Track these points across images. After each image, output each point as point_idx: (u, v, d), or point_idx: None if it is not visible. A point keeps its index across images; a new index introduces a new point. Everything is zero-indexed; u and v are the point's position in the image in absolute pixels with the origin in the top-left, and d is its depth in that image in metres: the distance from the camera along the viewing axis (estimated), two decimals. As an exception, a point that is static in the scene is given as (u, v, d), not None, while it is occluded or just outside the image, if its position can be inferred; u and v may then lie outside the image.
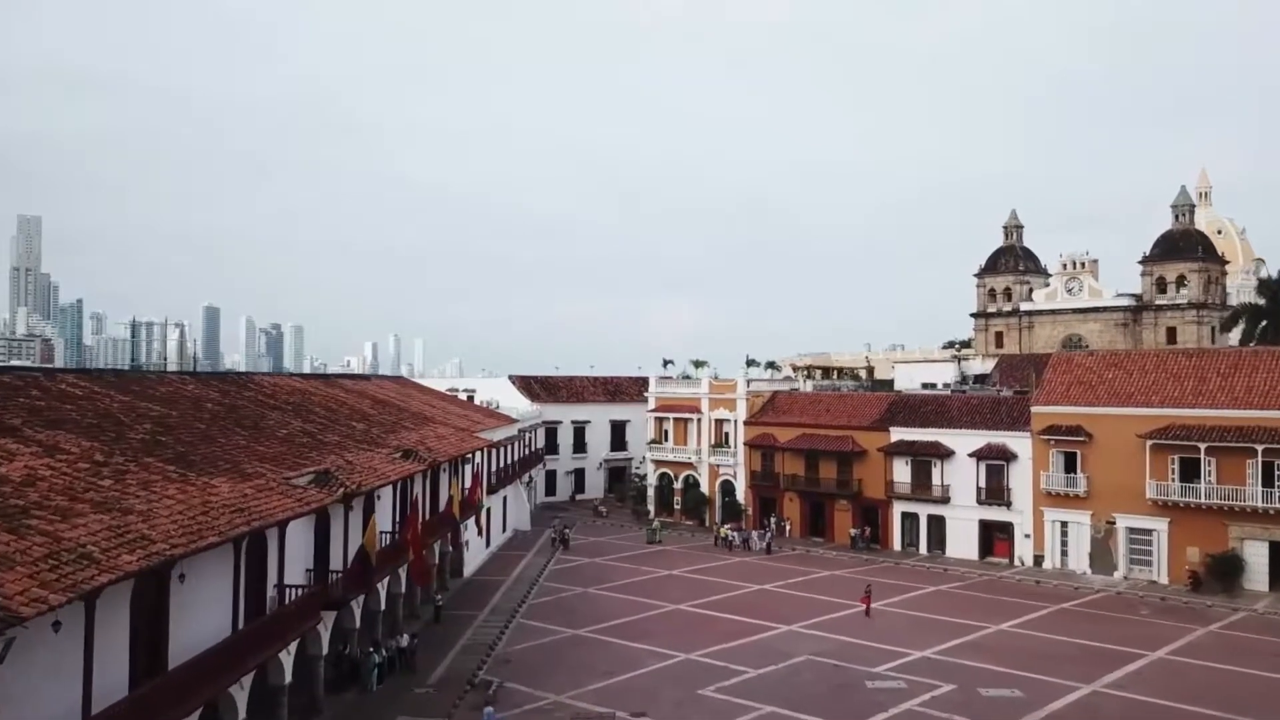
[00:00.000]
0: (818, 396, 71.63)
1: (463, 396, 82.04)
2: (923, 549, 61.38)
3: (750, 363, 72.75)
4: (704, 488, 72.52)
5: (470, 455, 49.70)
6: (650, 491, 75.73)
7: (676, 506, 74.16)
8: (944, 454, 60.18)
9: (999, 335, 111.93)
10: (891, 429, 63.09)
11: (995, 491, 58.31)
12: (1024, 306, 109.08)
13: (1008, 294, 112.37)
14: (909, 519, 62.36)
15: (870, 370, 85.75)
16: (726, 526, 64.90)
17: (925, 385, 72.78)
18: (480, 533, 50.81)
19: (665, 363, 77.14)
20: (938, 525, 61.07)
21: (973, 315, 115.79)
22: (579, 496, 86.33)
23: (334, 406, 44.26)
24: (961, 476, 59.58)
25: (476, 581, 52.34)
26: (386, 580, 37.47)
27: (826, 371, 80.00)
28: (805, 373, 77.93)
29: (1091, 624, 42.82)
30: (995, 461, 58.33)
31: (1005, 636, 40.73)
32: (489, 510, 60.48)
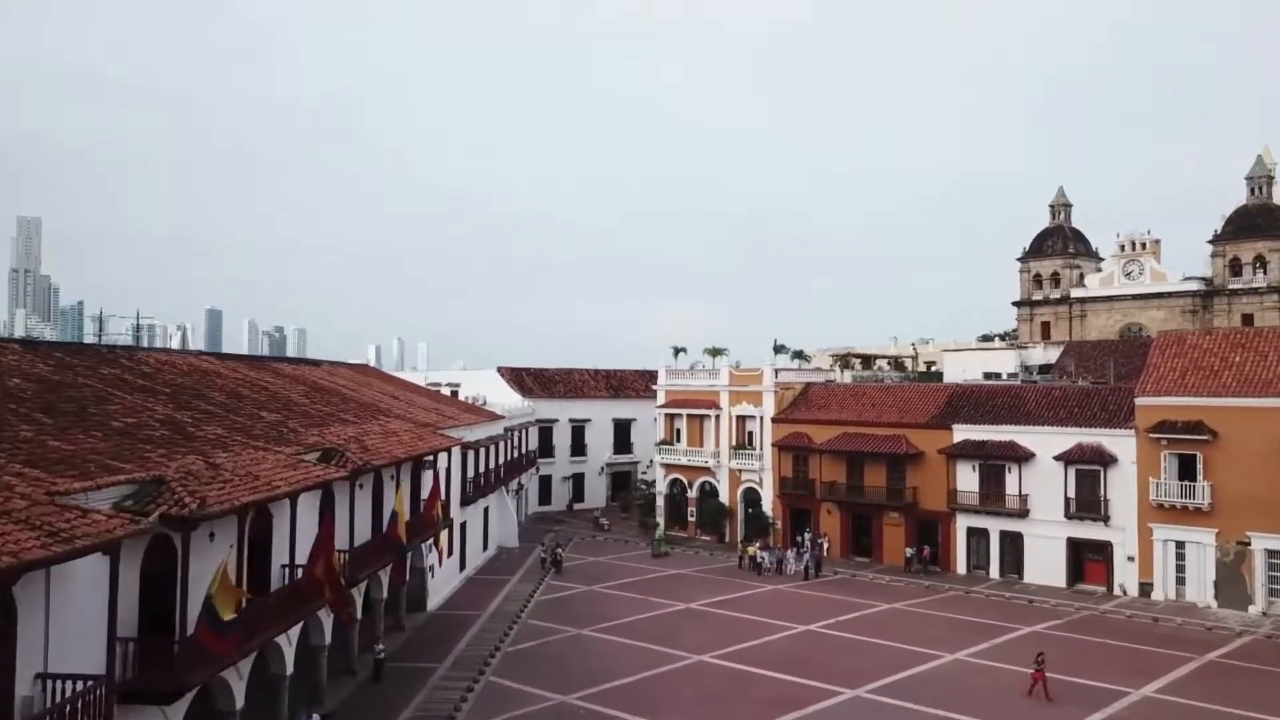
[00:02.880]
0: (860, 389, 60.44)
1: (446, 392, 71.11)
2: (994, 573, 50.21)
3: (778, 349, 61.61)
4: (724, 497, 61.40)
5: (431, 459, 38.71)
6: (659, 501, 64.69)
7: (691, 518, 63.08)
8: (1021, 457, 48.98)
9: (1045, 325, 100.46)
10: (954, 427, 51.91)
11: (1088, 503, 47.12)
12: (1075, 293, 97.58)
13: (1055, 279, 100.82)
14: (976, 536, 51.17)
15: (915, 358, 74.37)
16: (755, 545, 53.73)
17: (987, 375, 61.63)
18: (441, 557, 39.72)
19: (676, 351, 66.02)
20: (1013, 544, 49.88)
21: (1015, 304, 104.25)
22: (577, 506, 75.20)
23: (242, 392, 33.29)
24: (1044, 484, 48.41)
25: (442, 618, 41.30)
26: (295, 633, 26.47)
27: (866, 361, 68.68)
28: (842, 362, 66.63)
29: (1266, 686, 31.54)
30: (1088, 466, 47.12)
31: (1161, 710, 29.49)
32: (464, 525, 49.50)
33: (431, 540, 37.17)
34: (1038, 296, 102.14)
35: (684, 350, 65.93)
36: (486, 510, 55.56)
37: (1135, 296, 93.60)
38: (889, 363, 71.60)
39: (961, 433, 51.51)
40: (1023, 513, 48.94)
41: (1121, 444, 46.25)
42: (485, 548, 55.51)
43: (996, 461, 50.00)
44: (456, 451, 47.30)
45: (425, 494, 38.13)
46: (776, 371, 60.31)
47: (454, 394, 71.32)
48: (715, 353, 63.74)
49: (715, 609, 42.83)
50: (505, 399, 71.14)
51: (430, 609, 42.45)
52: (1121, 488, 46.12)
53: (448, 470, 44.89)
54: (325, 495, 29.00)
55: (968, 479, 51.07)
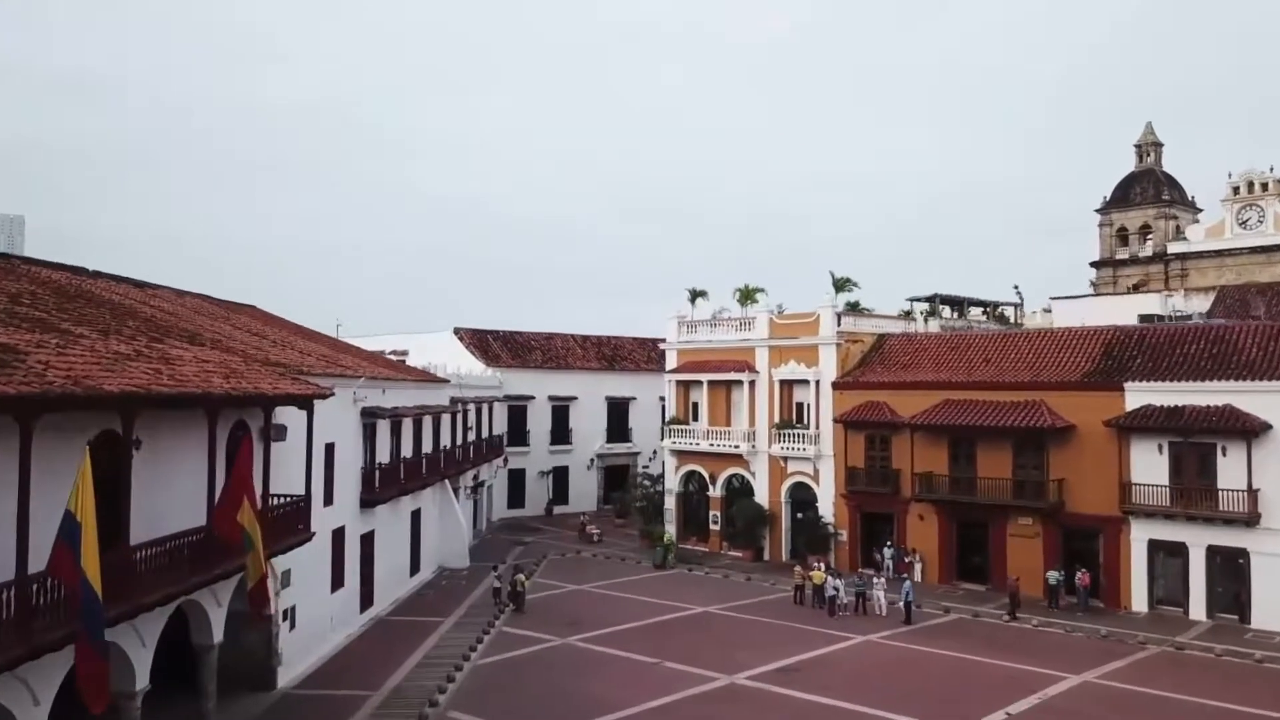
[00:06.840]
0: (964, 337, 42.45)
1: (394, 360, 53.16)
2: (1195, 611, 32.32)
3: (839, 284, 43.60)
4: (761, 497, 43.45)
5: (268, 426, 20.70)
6: (670, 502, 46.82)
7: (714, 527, 45.22)
8: (1246, 430, 31.08)
9: (1134, 289, 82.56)
10: (1126, 386, 34.03)
11: (1371, 503, 29.21)
12: (1174, 248, 79.66)
13: (1144, 233, 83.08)
14: (1165, 554, 33.24)
15: (1020, 305, 56.11)
16: (819, 567, 35.68)
17: (1143, 318, 43.70)
18: (264, 598, 21.17)
19: (694, 295, 48.02)
20: (1231, 567, 31.93)
21: (1094, 264, 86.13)
22: (559, 509, 57.14)
23: None
24: (1287, 473, 30.51)
25: (298, 705, 23.24)
26: None
27: (959, 307, 50.54)
28: (927, 307, 48.54)
29: None
30: (1370, 443, 29.23)
31: None
32: (366, 538, 31.50)
33: (241, 577, 18.98)
34: (1123, 255, 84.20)
35: (704, 295, 47.96)
36: (417, 515, 37.58)
37: (1253, 250, 75.53)
38: (986, 312, 53.40)
39: (1139, 395, 33.58)
40: (1250, 518, 31.00)
41: None
42: (415, 571, 37.51)
43: (1202, 439, 32.09)
44: (352, 422, 29.44)
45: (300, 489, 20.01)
46: (839, 317, 42.32)
47: (402, 363, 53.51)
48: (748, 295, 45.79)
49: (779, 686, 24.75)
50: (466, 368, 53.30)
51: (283, 686, 24.45)
52: None
53: (329, 449, 26.93)
54: None
55: (1151, 466, 33.15)
